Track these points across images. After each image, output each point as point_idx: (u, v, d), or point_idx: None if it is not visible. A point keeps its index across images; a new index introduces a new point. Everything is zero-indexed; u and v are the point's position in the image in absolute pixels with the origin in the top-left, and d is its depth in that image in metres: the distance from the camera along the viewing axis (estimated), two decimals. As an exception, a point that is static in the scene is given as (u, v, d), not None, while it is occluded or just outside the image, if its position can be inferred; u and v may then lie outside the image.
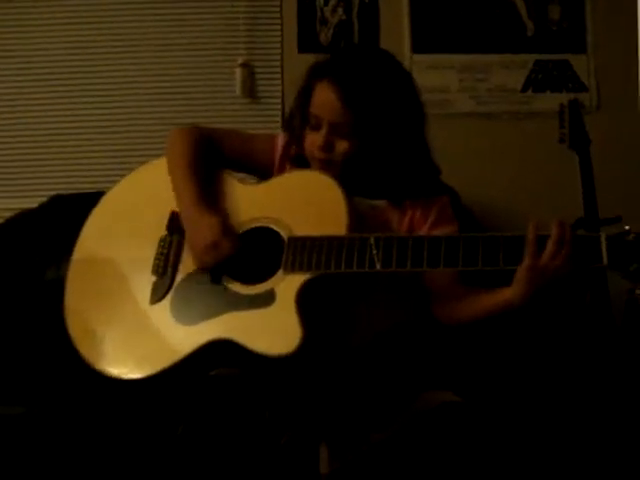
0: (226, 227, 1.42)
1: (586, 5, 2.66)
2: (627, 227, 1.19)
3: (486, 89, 2.64)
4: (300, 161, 1.53)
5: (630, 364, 2.03)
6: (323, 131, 1.42)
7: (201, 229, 1.42)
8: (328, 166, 1.44)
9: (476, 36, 2.64)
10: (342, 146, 1.43)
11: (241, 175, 1.61)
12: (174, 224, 1.51)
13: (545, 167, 2.57)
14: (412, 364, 1.50)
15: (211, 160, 1.56)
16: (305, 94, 1.47)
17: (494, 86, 2.64)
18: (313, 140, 1.45)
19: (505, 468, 1.34)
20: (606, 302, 2.07)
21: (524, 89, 2.65)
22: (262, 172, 1.59)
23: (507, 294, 1.30)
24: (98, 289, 1.52)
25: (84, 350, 1.46)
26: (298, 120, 1.50)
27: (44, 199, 2.28)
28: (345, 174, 1.44)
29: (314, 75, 1.46)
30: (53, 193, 2.31)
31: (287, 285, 1.35)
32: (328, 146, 1.43)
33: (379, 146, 1.44)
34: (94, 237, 1.60)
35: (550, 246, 1.21)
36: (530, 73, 2.65)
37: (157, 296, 1.45)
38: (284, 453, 1.35)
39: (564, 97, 2.35)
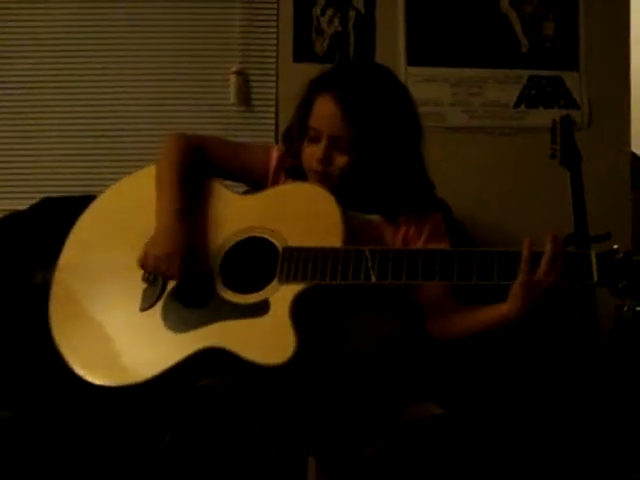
0: (185, 251, 1.42)
1: (580, 23, 2.69)
2: (615, 246, 1.22)
3: (479, 103, 2.65)
4: (296, 173, 1.53)
5: (615, 379, 2.05)
6: (322, 144, 1.43)
7: (166, 237, 1.42)
8: (325, 179, 1.45)
9: (471, 51, 2.65)
10: (341, 160, 1.43)
11: (232, 185, 1.59)
12: None
13: (536, 183, 2.58)
14: (399, 377, 1.50)
15: (201, 168, 1.56)
16: (305, 106, 1.47)
17: (487, 101, 2.65)
18: (312, 152, 1.45)
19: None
20: (594, 319, 2.08)
21: (517, 104, 2.66)
22: (254, 183, 1.59)
23: (503, 309, 1.31)
24: (85, 296, 1.50)
25: (70, 357, 1.44)
26: (296, 132, 1.50)
27: (34, 201, 2.26)
28: (341, 188, 1.44)
29: (315, 88, 1.46)
30: (43, 195, 2.29)
31: (281, 295, 1.35)
32: (327, 159, 1.43)
33: (376, 161, 1.45)
34: (81, 243, 1.57)
35: (544, 263, 1.23)
36: (523, 89, 2.66)
37: (147, 303, 1.44)
38: (273, 464, 1.34)
39: (556, 113, 2.38)
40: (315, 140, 1.44)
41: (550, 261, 1.22)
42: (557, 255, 1.22)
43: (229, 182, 1.59)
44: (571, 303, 2.13)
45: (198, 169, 1.55)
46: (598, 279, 1.21)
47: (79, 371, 1.41)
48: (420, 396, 1.40)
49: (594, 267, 1.22)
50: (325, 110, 1.42)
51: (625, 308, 1.23)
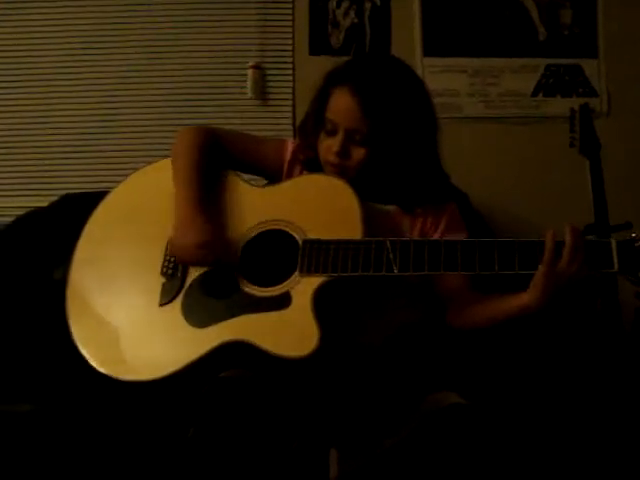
0: (218, 230, 1.42)
1: (598, 10, 2.66)
2: (634, 234, 1.24)
3: (497, 93, 2.63)
4: (311, 165, 1.54)
5: (637, 370, 2.03)
6: (339, 137, 1.43)
7: (194, 228, 1.41)
8: (342, 172, 1.45)
9: (487, 40, 2.64)
10: (358, 153, 1.44)
11: (249, 178, 1.59)
12: None
13: (555, 172, 2.56)
14: (419, 366, 1.50)
15: (218, 161, 1.56)
16: (321, 99, 1.47)
17: (505, 90, 2.63)
18: (329, 145, 1.45)
19: (512, 469, 1.34)
20: (616, 309, 2.07)
21: (535, 93, 2.64)
22: (270, 176, 1.60)
23: (524, 299, 1.31)
24: (101, 292, 1.50)
25: (90, 353, 1.44)
26: (312, 124, 1.50)
27: (54, 198, 2.28)
28: (358, 179, 1.45)
29: (332, 80, 1.47)
30: (63, 192, 2.31)
31: (303, 287, 1.35)
32: (344, 152, 1.43)
33: (393, 154, 1.45)
34: (95, 239, 1.57)
35: (566, 253, 1.24)
36: (541, 77, 2.64)
37: (167, 297, 1.44)
38: (294, 457, 1.35)
39: (575, 102, 2.35)
40: (332, 133, 1.44)
41: (572, 250, 1.23)
42: (578, 245, 1.24)
43: (245, 175, 1.60)
44: (592, 293, 2.12)
45: (215, 162, 1.55)
46: (619, 267, 1.22)
47: (100, 367, 1.42)
48: (440, 386, 1.40)
49: (615, 255, 1.23)
50: (342, 103, 1.42)
51: None
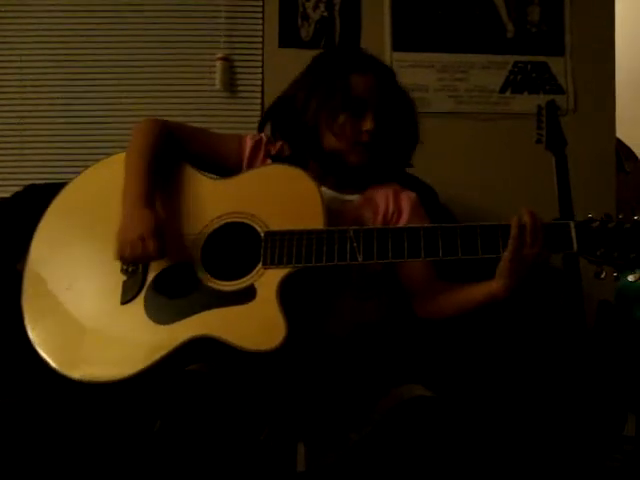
0: (159, 229, 1.38)
1: (565, 8, 2.69)
2: (590, 215, 1.27)
3: (465, 89, 2.65)
4: (281, 159, 1.53)
5: (599, 365, 2.07)
6: (371, 115, 1.47)
7: (133, 221, 1.38)
8: (369, 150, 1.49)
9: (456, 36, 2.65)
10: (384, 130, 1.50)
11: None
12: None
13: (522, 167, 2.59)
14: (384, 359, 1.51)
15: (173, 154, 1.53)
16: (339, 84, 1.48)
17: (473, 86, 2.65)
18: (356, 125, 1.48)
19: (475, 460, 1.35)
20: (579, 305, 2.10)
21: (503, 90, 2.66)
22: (227, 172, 1.56)
23: (492, 286, 1.34)
24: (58, 292, 1.46)
25: (48, 354, 1.41)
26: (320, 112, 1.49)
27: (19, 189, 2.25)
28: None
29: (350, 68, 1.49)
30: (28, 183, 2.27)
31: (267, 280, 1.34)
32: (377, 131, 1.48)
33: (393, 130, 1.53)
34: (51, 236, 1.53)
35: (527, 236, 1.26)
36: (509, 74, 2.66)
37: (129, 296, 1.41)
38: (262, 450, 1.34)
39: (542, 99, 2.39)
40: (358, 113, 1.47)
41: (532, 232, 1.26)
42: (537, 226, 1.26)
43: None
44: (556, 289, 2.15)
45: (169, 154, 1.52)
46: (578, 248, 1.25)
47: (59, 369, 1.39)
48: (405, 379, 1.41)
49: (574, 236, 1.25)
50: (369, 84, 1.48)
51: (603, 275, 1.26)
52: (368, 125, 1.46)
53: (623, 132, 2.87)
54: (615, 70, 2.72)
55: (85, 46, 2.59)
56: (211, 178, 1.53)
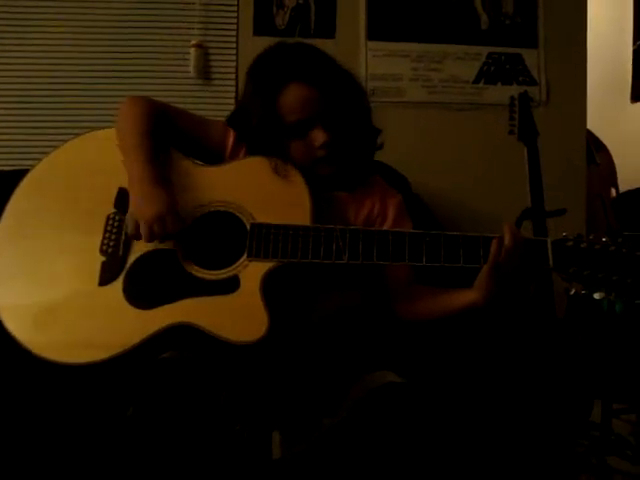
0: (175, 206, 1.38)
1: (539, 0, 2.71)
2: (564, 234, 1.32)
3: (439, 79, 2.66)
4: None
5: (568, 353, 2.10)
6: (319, 129, 1.41)
7: (150, 199, 1.37)
8: (332, 161, 1.45)
9: (431, 26, 2.65)
10: (338, 135, 1.44)
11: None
12: (124, 202, 1.43)
13: (494, 158, 2.61)
14: (357, 347, 1.52)
15: (164, 135, 1.50)
16: (270, 110, 1.41)
17: (447, 76, 2.66)
18: (307, 145, 1.43)
19: (446, 445, 1.37)
20: (549, 293, 2.13)
21: (476, 80, 2.68)
22: (211, 157, 1.54)
23: (471, 296, 1.38)
24: (33, 273, 1.43)
25: (22, 335, 1.38)
26: (273, 136, 1.44)
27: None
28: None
29: (273, 88, 1.41)
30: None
31: (251, 272, 1.34)
32: (332, 141, 1.42)
33: (349, 131, 1.47)
34: (21, 216, 1.48)
35: (504, 252, 1.30)
36: (483, 65, 2.68)
37: (107, 277, 1.39)
38: (237, 439, 1.35)
39: (515, 90, 2.40)
40: (302, 133, 1.42)
41: (511, 248, 1.30)
42: (517, 242, 1.30)
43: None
44: (526, 279, 2.17)
45: (162, 135, 1.49)
46: (553, 264, 1.30)
47: (34, 350, 1.37)
48: (377, 366, 1.42)
49: (550, 253, 1.30)
50: (301, 97, 1.40)
51: (572, 292, 1.33)
52: (320, 140, 1.41)
53: (593, 124, 2.91)
54: (587, 63, 2.75)
55: (57, 31, 2.55)
56: (198, 164, 1.50)
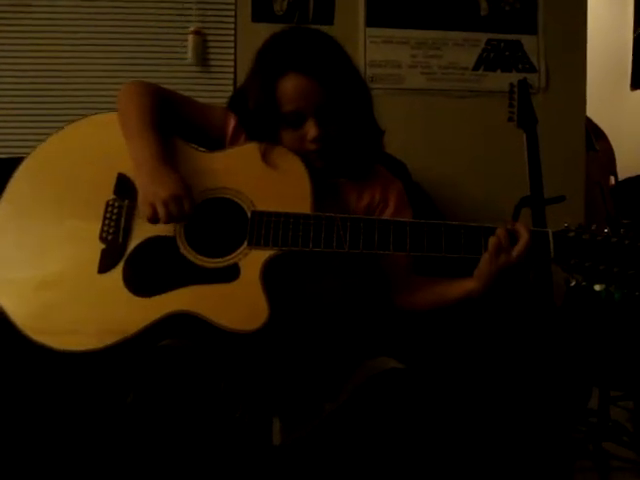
0: (188, 187, 1.36)
1: (538, -14, 2.70)
2: (566, 224, 1.31)
3: (438, 66, 2.65)
4: None
5: (566, 341, 2.11)
6: (312, 122, 1.39)
7: (162, 181, 1.34)
8: (323, 156, 1.42)
9: (430, 12, 2.64)
10: (333, 130, 1.41)
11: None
12: (124, 188, 1.42)
13: (493, 145, 2.61)
14: (358, 332, 1.52)
15: (166, 120, 1.48)
16: (269, 97, 1.39)
17: (446, 63, 2.65)
18: (299, 136, 1.41)
19: (448, 431, 1.38)
20: (548, 281, 2.13)
21: (476, 67, 2.67)
22: (211, 143, 1.53)
23: (469, 285, 1.38)
24: (31, 259, 1.42)
25: (21, 322, 1.37)
26: (268, 123, 1.42)
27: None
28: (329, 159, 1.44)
29: (272, 76, 1.39)
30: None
31: (252, 260, 1.34)
32: (323, 135, 1.39)
33: (347, 122, 1.44)
34: (19, 202, 1.46)
35: (508, 240, 1.32)
36: (482, 52, 2.67)
37: (107, 264, 1.38)
38: (238, 425, 1.35)
39: (514, 77, 2.40)
40: (296, 124, 1.40)
41: (524, 248, 1.30)
42: (529, 244, 1.30)
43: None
44: (526, 266, 2.18)
45: (163, 119, 1.47)
46: (554, 255, 1.30)
47: (33, 336, 1.36)
48: (379, 352, 1.43)
49: (551, 244, 1.30)
50: (297, 88, 1.37)
51: (572, 283, 1.32)
52: (312, 134, 1.39)
53: (593, 111, 2.91)
54: (587, 50, 2.74)
55: (54, 17, 2.54)
56: (198, 150, 1.48)
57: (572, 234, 1.30)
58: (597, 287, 1.30)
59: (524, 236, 1.31)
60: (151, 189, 1.35)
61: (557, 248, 1.30)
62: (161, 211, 1.33)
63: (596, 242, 1.28)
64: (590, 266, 1.28)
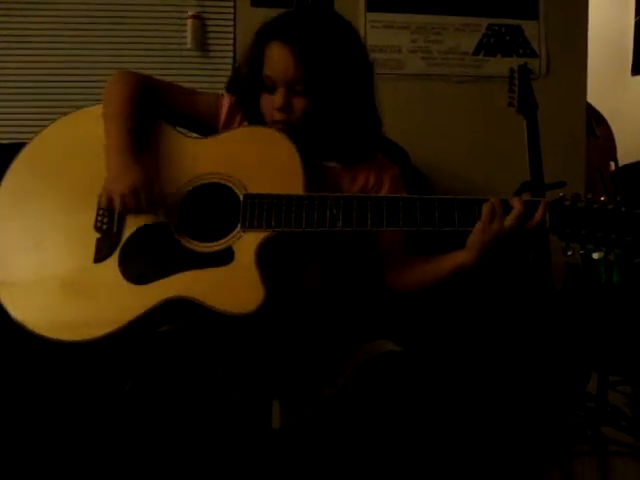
0: (149, 181, 1.37)
1: (540, -29, 2.69)
2: (561, 194, 1.29)
3: (438, 51, 2.64)
4: (254, 120, 1.51)
5: (565, 325, 2.11)
6: (280, 91, 1.40)
7: (124, 172, 1.36)
8: (288, 127, 1.42)
9: (431, -3, 2.63)
10: (299, 104, 1.41)
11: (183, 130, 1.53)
12: None
13: (494, 130, 2.61)
14: (356, 315, 1.52)
15: (152, 110, 1.49)
16: (256, 58, 1.42)
17: (447, 48, 2.64)
18: (271, 102, 1.42)
19: (445, 413, 1.39)
20: (547, 264, 2.14)
21: (476, 52, 2.66)
22: (203, 130, 1.53)
23: (461, 257, 1.36)
24: (27, 250, 1.42)
25: (17, 313, 1.37)
26: (250, 84, 1.45)
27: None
28: (301, 136, 1.42)
29: (262, 38, 1.42)
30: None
31: (246, 243, 1.34)
32: (286, 106, 1.40)
33: (332, 103, 1.43)
34: (15, 193, 1.47)
35: (501, 208, 1.30)
36: (483, 37, 2.66)
37: (102, 253, 1.39)
38: (237, 409, 1.36)
39: (515, 62, 2.40)
40: (272, 89, 1.41)
41: (518, 216, 1.29)
42: (522, 213, 1.29)
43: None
44: (525, 249, 2.18)
45: (148, 108, 1.48)
46: (550, 224, 1.28)
47: (32, 328, 1.36)
48: (376, 334, 1.43)
49: (546, 214, 1.28)
50: (276, 56, 1.39)
51: (569, 252, 1.30)
52: (276, 103, 1.40)
53: (594, 97, 2.90)
54: (587, 35, 2.73)
55: (57, 5, 2.53)
56: (188, 137, 1.49)
57: (567, 203, 1.28)
58: (595, 255, 1.28)
59: (517, 205, 1.29)
60: (112, 179, 1.37)
61: (553, 217, 1.28)
62: (117, 203, 1.35)
63: (592, 210, 1.26)
64: (587, 234, 1.26)
